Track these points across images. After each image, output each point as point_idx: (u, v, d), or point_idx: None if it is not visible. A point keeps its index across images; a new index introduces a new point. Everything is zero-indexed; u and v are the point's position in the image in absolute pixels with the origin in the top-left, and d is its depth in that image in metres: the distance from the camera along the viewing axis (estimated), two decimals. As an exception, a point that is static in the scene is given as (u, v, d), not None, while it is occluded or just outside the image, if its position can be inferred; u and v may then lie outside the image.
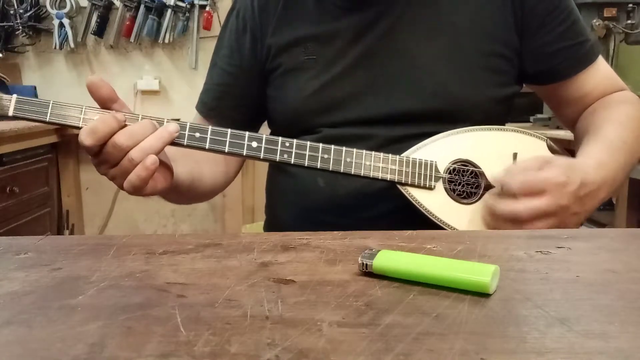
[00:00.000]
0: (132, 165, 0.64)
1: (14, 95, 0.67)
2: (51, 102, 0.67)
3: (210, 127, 0.71)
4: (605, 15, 1.99)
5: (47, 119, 0.66)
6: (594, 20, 1.99)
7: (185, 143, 0.69)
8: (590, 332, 0.33)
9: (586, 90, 0.87)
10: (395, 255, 0.44)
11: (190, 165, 0.79)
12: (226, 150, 0.70)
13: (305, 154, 0.72)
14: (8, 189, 2.04)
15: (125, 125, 0.65)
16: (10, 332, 0.34)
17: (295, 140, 0.72)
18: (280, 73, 0.87)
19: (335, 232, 0.55)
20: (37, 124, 2.17)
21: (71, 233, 2.64)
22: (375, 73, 0.82)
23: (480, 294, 0.39)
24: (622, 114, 0.81)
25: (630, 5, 1.97)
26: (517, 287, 0.41)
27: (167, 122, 0.68)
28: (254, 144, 0.71)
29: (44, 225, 2.37)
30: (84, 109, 0.67)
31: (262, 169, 0.98)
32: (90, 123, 0.65)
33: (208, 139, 0.70)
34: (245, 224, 2.55)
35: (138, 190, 0.66)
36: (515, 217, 0.68)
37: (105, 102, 0.67)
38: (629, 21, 1.98)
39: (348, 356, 0.31)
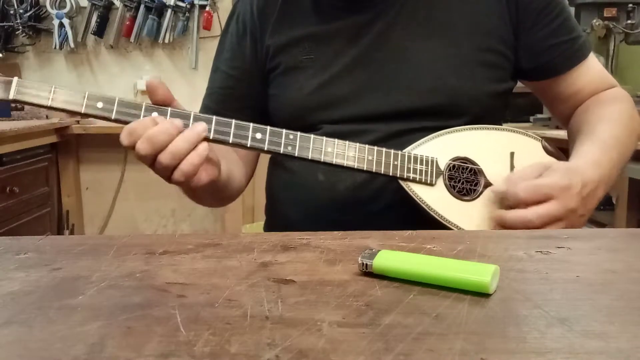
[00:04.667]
0: (162, 168, 0.66)
1: (15, 78, 0.67)
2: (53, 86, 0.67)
3: (192, 112, 0.71)
4: (605, 15, 1.99)
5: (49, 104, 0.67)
6: (594, 20, 1.99)
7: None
8: (590, 332, 0.33)
9: (579, 86, 0.88)
10: (395, 255, 0.44)
11: (227, 165, 0.80)
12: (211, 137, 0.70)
13: (308, 147, 0.72)
14: (8, 189, 2.04)
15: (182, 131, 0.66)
16: (10, 332, 0.34)
17: (284, 130, 0.73)
18: (280, 72, 0.88)
19: (335, 232, 0.55)
20: (37, 123, 2.18)
21: (71, 233, 2.64)
22: (373, 72, 0.83)
23: (480, 294, 0.39)
24: (614, 111, 0.83)
25: (630, 5, 1.97)
26: (517, 287, 0.41)
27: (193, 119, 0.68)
28: (259, 135, 0.72)
29: (44, 225, 2.37)
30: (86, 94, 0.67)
31: (262, 168, 0.97)
32: (136, 122, 0.66)
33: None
34: (245, 224, 2.54)
35: (189, 179, 0.67)
36: (526, 226, 0.68)
37: (162, 105, 0.69)
38: (629, 21, 1.98)
39: (348, 356, 0.30)
